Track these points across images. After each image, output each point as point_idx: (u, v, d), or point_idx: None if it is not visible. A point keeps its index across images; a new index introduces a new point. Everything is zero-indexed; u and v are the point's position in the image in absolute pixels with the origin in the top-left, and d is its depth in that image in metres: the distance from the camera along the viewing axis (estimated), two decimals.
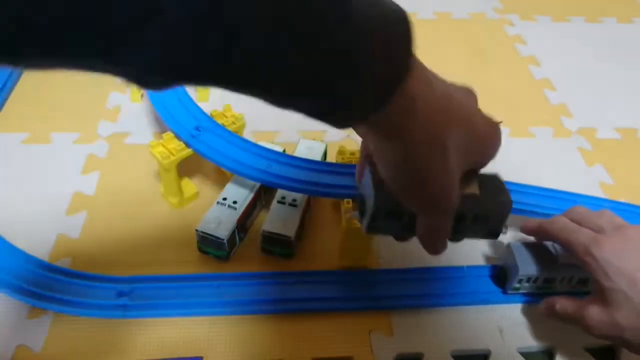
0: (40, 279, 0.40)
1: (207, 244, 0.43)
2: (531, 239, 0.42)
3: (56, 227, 0.46)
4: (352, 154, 0.48)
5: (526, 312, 0.42)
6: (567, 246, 0.37)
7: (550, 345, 0.40)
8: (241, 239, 0.46)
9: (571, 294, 0.42)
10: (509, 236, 0.44)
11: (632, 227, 0.36)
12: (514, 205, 0.45)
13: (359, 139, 0.56)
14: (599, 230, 0.36)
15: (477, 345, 0.40)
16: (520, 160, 0.56)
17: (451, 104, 0.26)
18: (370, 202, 0.29)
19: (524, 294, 0.42)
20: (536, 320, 0.42)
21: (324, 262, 0.44)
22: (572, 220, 0.38)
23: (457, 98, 0.27)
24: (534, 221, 0.41)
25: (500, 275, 0.42)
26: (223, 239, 0.42)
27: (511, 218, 0.47)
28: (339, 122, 0.23)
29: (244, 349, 0.38)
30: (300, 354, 0.38)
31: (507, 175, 0.49)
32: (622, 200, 0.51)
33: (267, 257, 0.45)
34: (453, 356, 0.39)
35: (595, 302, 0.34)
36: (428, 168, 0.25)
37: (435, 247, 0.29)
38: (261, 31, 0.18)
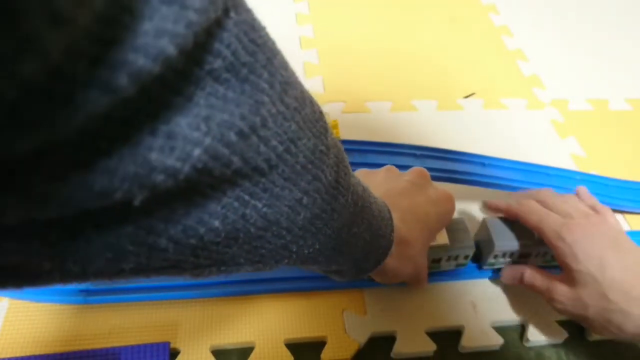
0: None
1: None
2: None
3: None
4: None
5: (500, 287, 0.42)
6: (537, 230, 0.37)
7: (523, 319, 0.40)
8: None
9: (545, 268, 0.42)
10: (479, 211, 0.44)
11: (595, 215, 0.37)
12: (488, 180, 0.45)
13: (330, 112, 0.55)
14: (566, 216, 0.37)
15: (451, 321, 0.40)
16: (493, 133, 0.55)
17: (410, 228, 0.34)
18: None
19: (499, 269, 0.42)
20: (510, 295, 0.42)
21: None
22: (527, 216, 0.39)
23: (412, 216, 0.34)
24: (500, 201, 0.41)
25: (476, 250, 0.42)
26: None
27: (485, 192, 0.47)
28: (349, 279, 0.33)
29: (213, 333, 0.37)
30: (272, 336, 0.37)
31: (480, 148, 0.48)
32: (593, 172, 0.51)
33: None
34: (427, 333, 0.39)
35: (563, 281, 0.36)
36: (401, 274, 0.35)
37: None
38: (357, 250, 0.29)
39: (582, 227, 0.35)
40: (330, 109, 0.54)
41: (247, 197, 0.18)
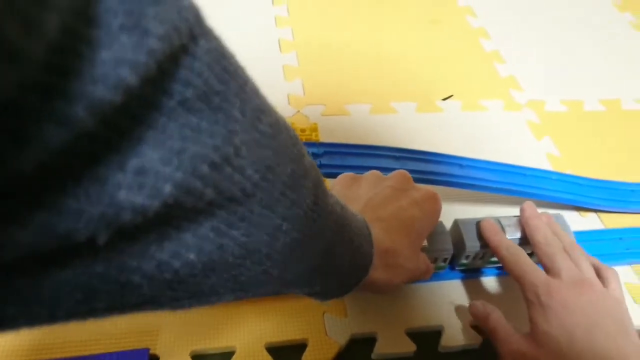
0: None
1: None
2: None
3: None
4: (302, 130, 0.47)
5: (476, 287, 0.43)
6: (517, 280, 0.36)
7: None
8: None
9: None
10: (457, 212, 0.45)
11: (587, 285, 0.35)
12: (465, 180, 0.46)
13: (309, 115, 0.55)
14: (555, 273, 0.36)
15: (430, 321, 0.40)
16: (471, 134, 0.56)
17: (395, 236, 0.34)
18: None
19: (473, 269, 0.43)
20: (488, 295, 0.42)
21: None
22: (535, 236, 0.38)
23: (397, 221, 0.34)
24: (491, 228, 0.40)
25: None
26: None
27: (463, 193, 0.47)
28: (331, 298, 0.32)
29: (193, 338, 0.37)
30: (253, 340, 0.37)
31: (458, 150, 0.49)
32: (568, 171, 0.52)
33: None
34: (407, 333, 0.39)
35: (525, 338, 0.34)
36: (394, 283, 0.35)
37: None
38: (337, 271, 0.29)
39: (563, 295, 0.34)
40: (310, 112, 0.55)
41: (224, 228, 0.18)
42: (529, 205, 0.41)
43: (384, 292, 0.36)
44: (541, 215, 0.40)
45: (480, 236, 0.40)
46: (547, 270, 0.36)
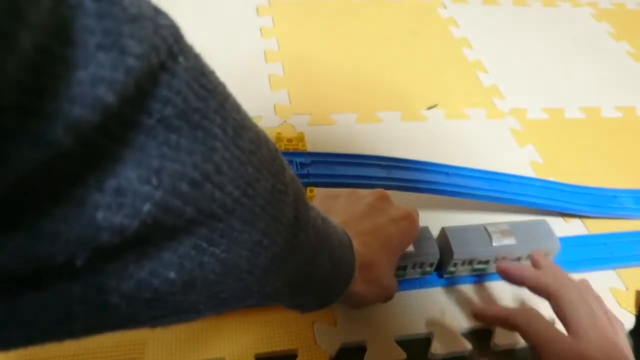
0: None
1: None
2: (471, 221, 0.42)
3: None
4: (290, 140, 0.47)
5: (466, 293, 0.43)
6: (537, 350, 0.33)
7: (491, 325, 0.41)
8: None
9: None
10: (444, 220, 0.45)
11: (611, 333, 0.33)
12: (451, 188, 0.46)
13: (296, 124, 0.55)
14: (582, 336, 0.32)
15: (420, 329, 0.40)
16: (455, 142, 0.56)
17: (372, 251, 0.34)
18: None
19: (463, 276, 0.43)
20: (475, 301, 0.42)
21: None
22: (547, 291, 0.35)
23: (374, 238, 0.35)
24: (496, 308, 0.37)
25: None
26: None
27: (449, 201, 0.48)
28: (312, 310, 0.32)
29: (182, 348, 0.37)
30: (242, 351, 0.37)
31: (443, 158, 0.49)
32: (551, 178, 0.52)
33: None
34: (397, 341, 0.39)
35: None
36: (368, 298, 0.34)
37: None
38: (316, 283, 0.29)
39: (590, 351, 0.31)
40: (296, 122, 0.55)
41: (204, 245, 0.17)
42: (504, 266, 0.38)
43: (357, 306, 0.37)
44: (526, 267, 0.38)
45: (469, 243, 0.40)
46: (569, 328, 0.33)
